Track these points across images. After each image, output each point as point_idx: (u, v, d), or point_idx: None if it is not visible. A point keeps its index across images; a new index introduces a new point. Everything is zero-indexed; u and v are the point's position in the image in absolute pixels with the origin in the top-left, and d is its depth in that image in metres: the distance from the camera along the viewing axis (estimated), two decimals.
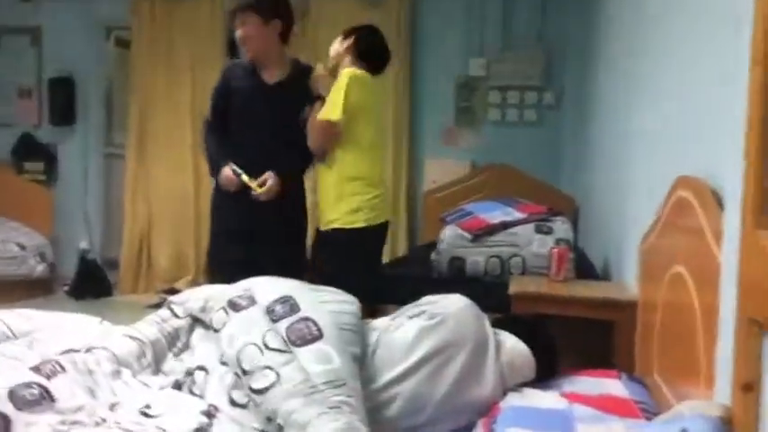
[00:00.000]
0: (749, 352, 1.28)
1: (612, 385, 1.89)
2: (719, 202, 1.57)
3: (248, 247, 2.79)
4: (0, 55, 5.69)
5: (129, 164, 5.48)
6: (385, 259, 4.40)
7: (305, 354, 1.70)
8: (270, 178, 2.77)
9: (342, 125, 2.71)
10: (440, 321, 1.89)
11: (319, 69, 2.88)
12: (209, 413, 1.63)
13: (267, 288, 1.96)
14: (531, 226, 3.34)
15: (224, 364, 1.81)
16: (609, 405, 1.73)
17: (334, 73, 2.86)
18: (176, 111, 5.32)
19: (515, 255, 3.22)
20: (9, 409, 1.50)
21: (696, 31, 1.95)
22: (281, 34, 2.86)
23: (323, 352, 1.71)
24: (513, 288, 2.62)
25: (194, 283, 4.94)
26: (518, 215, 3.46)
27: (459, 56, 4.96)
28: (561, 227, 3.34)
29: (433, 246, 3.55)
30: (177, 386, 1.83)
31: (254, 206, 2.77)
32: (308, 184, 3.05)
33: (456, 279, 3.20)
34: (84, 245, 5.42)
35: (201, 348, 1.92)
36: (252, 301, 1.90)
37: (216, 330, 1.90)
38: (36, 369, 1.64)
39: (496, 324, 2.03)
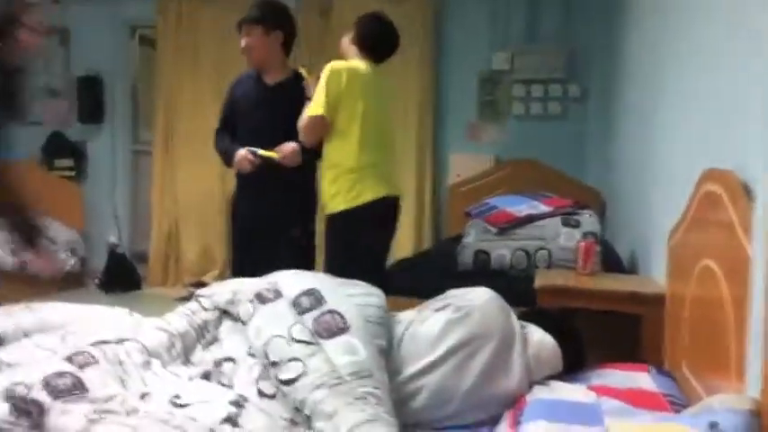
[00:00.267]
0: None
1: (641, 379, 1.88)
2: (749, 195, 1.55)
3: (266, 241, 2.97)
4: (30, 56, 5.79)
5: (155, 160, 5.57)
6: (410, 253, 4.47)
7: (331, 346, 1.73)
8: (285, 145, 2.91)
9: (328, 118, 2.82)
10: (466, 314, 1.90)
11: (304, 73, 3.03)
12: (238, 403, 1.65)
13: (292, 281, 1.99)
14: (557, 219, 3.32)
15: (251, 355, 1.84)
16: (638, 398, 1.71)
17: None
18: (201, 108, 5.35)
19: (542, 248, 3.20)
20: (44, 397, 1.54)
21: (723, 22, 1.93)
22: (283, 44, 3.07)
23: (349, 344, 1.73)
24: (540, 281, 2.61)
25: (221, 276, 5.01)
26: (544, 208, 3.43)
27: (482, 50, 4.91)
28: (588, 220, 3.31)
29: (457, 239, 3.55)
30: (206, 376, 1.86)
31: (267, 199, 2.98)
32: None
33: (481, 272, 3.19)
34: (113, 239, 5.52)
35: (229, 340, 1.95)
36: (278, 294, 1.93)
37: (243, 323, 1.93)
38: (69, 359, 1.68)
39: (523, 317, 2.03)
